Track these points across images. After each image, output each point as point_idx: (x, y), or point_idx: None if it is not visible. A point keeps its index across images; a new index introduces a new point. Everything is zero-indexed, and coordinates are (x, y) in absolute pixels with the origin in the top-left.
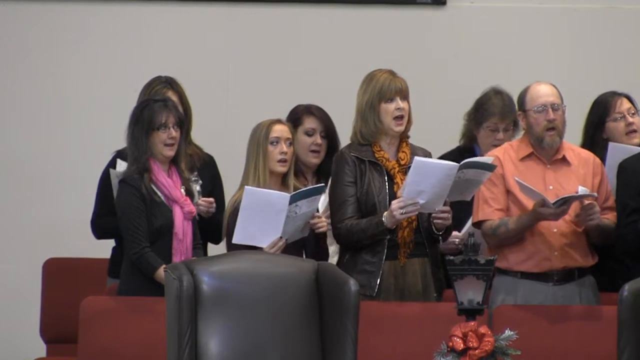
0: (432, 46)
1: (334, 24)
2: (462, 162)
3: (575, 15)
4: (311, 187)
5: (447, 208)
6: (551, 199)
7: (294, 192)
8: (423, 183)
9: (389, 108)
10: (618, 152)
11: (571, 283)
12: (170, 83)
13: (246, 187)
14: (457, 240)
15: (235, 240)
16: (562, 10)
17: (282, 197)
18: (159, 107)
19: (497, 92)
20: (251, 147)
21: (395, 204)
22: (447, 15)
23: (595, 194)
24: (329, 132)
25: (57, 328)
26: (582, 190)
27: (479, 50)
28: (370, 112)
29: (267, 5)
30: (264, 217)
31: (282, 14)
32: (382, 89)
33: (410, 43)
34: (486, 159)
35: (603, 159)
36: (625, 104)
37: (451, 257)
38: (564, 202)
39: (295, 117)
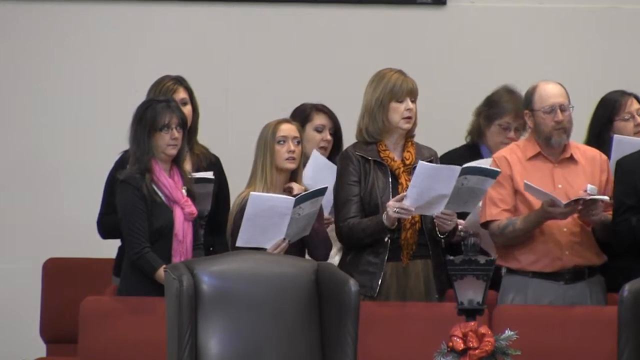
0: (432, 46)
1: (334, 24)
2: (463, 167)
3: (575, 15)
4: (315, 189)
5: (451, 212)
6: (560, 198)
7: (299, 195)
8: (425, 186)
9: (399, 108)
10: (623, 144)
11: (582, 282)
12: (180, 80)
13: (251, 193)
14: (460, 226)
15: (239, 244)
16: (562, 10)
17: (287, 201)
18: (162, 108)
19: (510, 91)
20: (258, 147)
21: (391, 201)
22: (447, 15)
23: (607, 197)
24: (336, 130)
25: (57, 328)
26: (590, 188)
27: (479, 50)
28: (380, 110)
29: (267, 5)
30: (268, 220)
31: (282, 14)
32: (394, 89)
33: (410, 43)
34: (486, 160)
35: (610, 157)
36: (635, 104)
37: (451, 257)
38: (574, 203)
39: (304, 115)
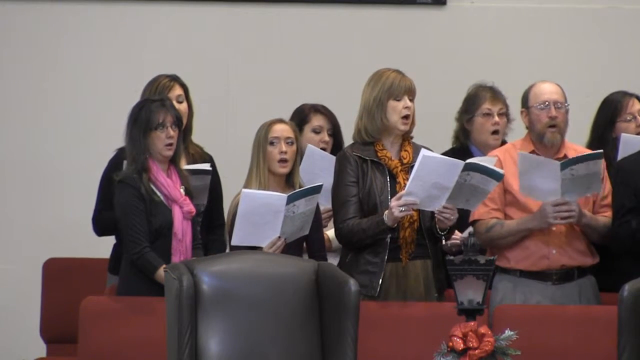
0: (432, 46)
1: (334, 24)
2: (467, 162)
3: (575, 15)
4: (309, 186)
5: (452, 206)
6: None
7: (292, 192)
8: (427, 178)
9: (397, 106)
10: (630, 144)
11: (571, 283)
12: (175, 78)
13: (243, 190)
14: (459, 240)
15: (234, 242)
16: (562, 10)
17: (279, 198)
18: (157, 107)
19: (482, 84)
20: (253, 147)
21: (394, 201)
22: (447, 15)
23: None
24: (336, 131)
25: (57, 328)
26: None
27: (479, 50)
28: (378, 108)
29: (267, 5)
30: (262, 218)
31: (282, 14)
32: (392, 87)
33: (410, 43)
34: (491, 159)
35: (613, 158)
36: (636, 105)
37: (451, 257)
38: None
39: (302, 115)
